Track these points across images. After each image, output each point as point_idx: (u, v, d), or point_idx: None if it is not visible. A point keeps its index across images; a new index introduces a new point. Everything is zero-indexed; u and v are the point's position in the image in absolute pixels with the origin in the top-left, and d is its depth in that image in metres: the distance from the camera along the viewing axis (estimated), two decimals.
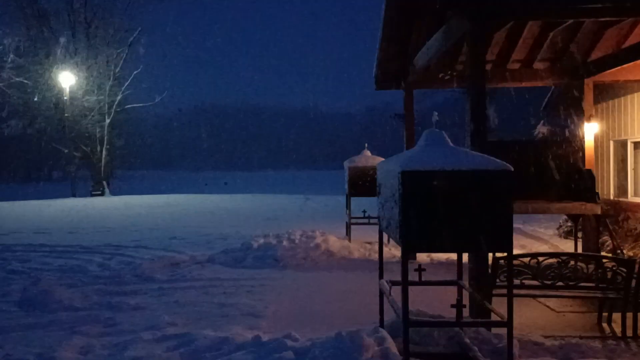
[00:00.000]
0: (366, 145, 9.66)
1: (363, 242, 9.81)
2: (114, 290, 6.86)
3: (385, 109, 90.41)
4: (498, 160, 3.41)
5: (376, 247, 9.06)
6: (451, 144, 3.82)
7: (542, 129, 11.50)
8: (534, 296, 5.18)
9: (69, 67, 27.91)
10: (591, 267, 4.98)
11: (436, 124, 4.01)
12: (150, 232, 12.83)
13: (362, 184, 9.13)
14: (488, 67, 8.25)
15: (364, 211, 10.11)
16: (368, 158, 9.33)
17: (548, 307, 5.79)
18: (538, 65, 8.52)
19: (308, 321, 5.35)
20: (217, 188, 42.42)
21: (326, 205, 21.16)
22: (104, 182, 30.82)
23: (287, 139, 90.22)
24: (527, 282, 5.00)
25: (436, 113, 4.03)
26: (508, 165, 3.39)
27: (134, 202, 23.38)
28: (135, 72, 30.77)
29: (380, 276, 4.74)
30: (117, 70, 31.12)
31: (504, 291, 5.03)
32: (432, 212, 3.30)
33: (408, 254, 3.45)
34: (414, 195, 3.33)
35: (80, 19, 29.83)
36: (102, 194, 30.10)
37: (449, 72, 7.58)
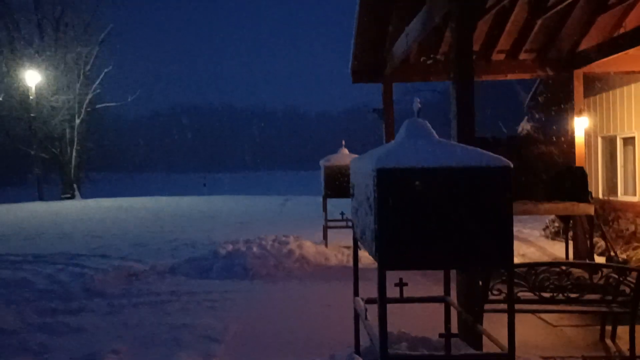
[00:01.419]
0: (343, 142, 8.98)
1: (341, 247, 9.14)
2: (57, 307, 6.06)
3: (364, 108, 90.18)
4: (495, 155, 2.75)
5: None
6: (437, 136, 3.15)
7: (525, 126, 10.96)
8: (532, 312, 4.55)
9: (35, 65, 26.72)
10: (595, 276, 4.38)
11: (418, 113, 3.34)
12: (113, 238, 11.97)
13: (340, 184, 8.44)
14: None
15: (342, 213, 9.43)
16: (345, 156, 8.64)
17: (544, 320, 5.18)
18: (524, 56, 7.96)
19: (274, 346, 4.64)
20: (195, 189, 41.46)
21: (306, 206, 20.45)
22: (75, 185, 29.65)
23: (267, 140, 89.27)
24: (522, 294, 4.37)
25: (418, 100, 3.36)
26: (507, 161, 2.74)
27: (104, 206, 22.36)
28: (105, 70, 29.64)
29: (355, 293, 4.06)
30: (87, 69, 29.94)
31: (496, 306, 4.43)
32: (416, 220, 2.63)
33: (384, 272, 2.76)
34: (393, 198, 2.65)
35: (48, 14, 28.63)
36: (73, 198, 28.97)
37: (432, 56, 6.95)
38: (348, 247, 9.08)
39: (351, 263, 8.00)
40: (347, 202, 9.62)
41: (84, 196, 30.44)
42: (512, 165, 2.73)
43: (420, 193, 2.61)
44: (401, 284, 3.69)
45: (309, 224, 14.00)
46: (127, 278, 7.59)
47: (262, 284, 7.06)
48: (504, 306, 4.26)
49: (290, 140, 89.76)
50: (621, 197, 9.52)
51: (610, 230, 8.95)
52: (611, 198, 9.57)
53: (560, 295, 4.29)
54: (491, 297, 4.28)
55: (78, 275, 7.81)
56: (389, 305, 3.02)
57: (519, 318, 4.94)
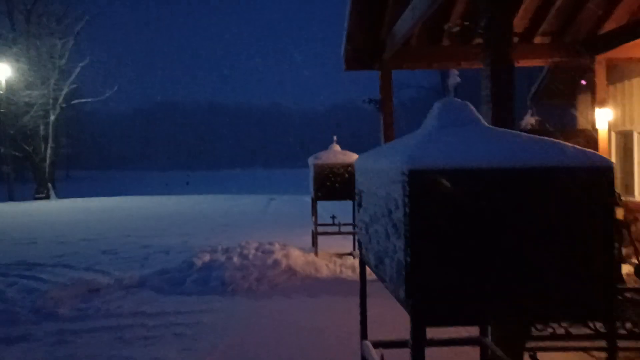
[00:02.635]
0: (335, 138, 8.01)
1: (332, 255, 8.19)
2: None
3: (351, 104, 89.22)
4: (588, 151, 1.81)
5: (348, 261, 7.44)
6: (484, 122, 2.20)
7: (530, 120, 10.08)
8: (584, 349, 3.63)
9: (6, 58, 25.30)
10: None
11: (456, 91, 2.38)
12: (81, 244, 10.87)
13: (331, 185, 7.48)
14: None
15: (333, 217, 8.48)
16: (337, 154, 7.67)
17: None
18: (539, 39, 7.06)
19: None
20: (178, 188, 40.25)
21: (291, 206, 19.50)
22: (49, 184, 28.27)
23: (252, 137, 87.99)
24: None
25: (456, 72, 2.40)
26: (606, 158, 1.79)
27: (78, 207, 21.17)
28: (81, 65, 28.26)
29: (363, 335, 3.10)
30: (62, 63, 28.54)
31: (540, 343, 3.52)
32: (476, 251, 1.67)
33: (424, 330, 1.79)
34: (439, 216, 1.69)
35: (19, 5, 27.17)
36: (47, 197, 27.62)
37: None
38: (340, 255, 8.14)
39: (344, 274, 7.06)
40: (338, 205, 8.66)
41: (60, 195, 29.12)
42: (612, 165, 1.80)
43: (484, 207, 1.65)
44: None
45: (295, 226, 13.03)
46: (87, 295, 6.55)
47: (243, 300, 6.07)
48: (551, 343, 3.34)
49: (274, 138, 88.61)
50: (638, 197, 8.70)
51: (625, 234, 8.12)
52: (629, 199, 8.74)
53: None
54: (535, 333, 3.35)
55: (30, 291, 6.74)
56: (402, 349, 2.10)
57: (569, 356, 3.90)
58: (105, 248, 10.20)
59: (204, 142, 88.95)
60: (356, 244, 8.71)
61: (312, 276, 6.89)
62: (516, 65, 7.43)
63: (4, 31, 26.81)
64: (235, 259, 7.03)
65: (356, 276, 7.01)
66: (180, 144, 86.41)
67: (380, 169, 2.20)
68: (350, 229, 8.40)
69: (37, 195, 27.55)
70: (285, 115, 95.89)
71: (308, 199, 23.45)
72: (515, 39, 7.06)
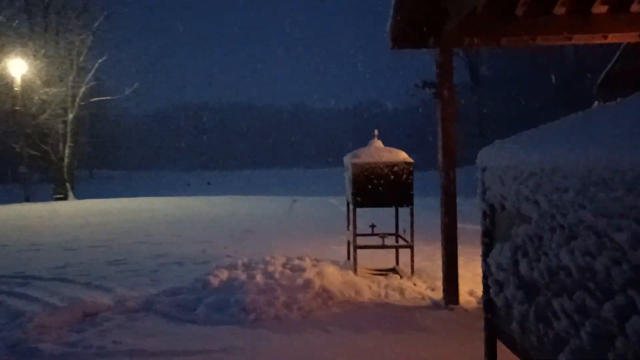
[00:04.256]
0: (376, 132, 6.74)
1: (373, 272, 6.93)
2: None
3: (372, 104, 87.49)
4: None
5: (394, 281, 6.18)
6: None
7: None
8: None
9: (23, 54, 24.65)
10: None
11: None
12: (88, 252, 9.82)
13: (374, 188, 6.21)
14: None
15: (373, 225, 7.22)
16: (380, 151, 6.39)
17: None
18: (636, 7, 5.68)
19: None
20: (199, 189, 39.48)
21: (316, 209, 18.29)
22: (68, 185, 27.60)
23: (274, 137, 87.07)
24: None
25: None
26: None
27: (96, 208, 20.31)
28: (100, 61, 27.52)
29: None
30: (80, 60, 27.86)
31: None
32: None
33: None
34: None
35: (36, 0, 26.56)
36: (66, 198, 26.96)
37: None
38: (383, 273, 6.86)
39: (391, 298, 5.80)
40: (378, 211, 7.36)
41: (79, 196, 28.48)
42: None
43: None
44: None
45: (323, 233, 11.81)
46: (81, 321, 5.42)
47: (269, 335, 4.85)
48: None
49: (295, 138, 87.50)
50: None
51: None
52: None
53: None
54: None
55: (15, 314, 5.63)
56: None
57: None
58: (113, 257, 9.12)
59: (226, 142, 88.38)
60: (399, 257, 7.43)
61: (352, 301, 5.65)
62: (604, 41, 6.07)
63: (21, 27, 26.19)
64: (259, 278, 5.83)
65: (405, 301, 5.73)
66: (202, 144, 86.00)
67: (573, 169, 0.95)
68: (393, 240, 7.14)
69: (55, 196, 26.92)
70: (307, 115, 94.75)
71: (333, 201, 22.30)
72: (604, 8, 5.70)
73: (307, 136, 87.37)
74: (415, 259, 6.85)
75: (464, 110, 28.40)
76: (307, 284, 5.69)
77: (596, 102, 8.93)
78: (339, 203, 20.18)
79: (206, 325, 5.14)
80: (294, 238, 10.80)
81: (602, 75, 9.19)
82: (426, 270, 7.16)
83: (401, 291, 5.85)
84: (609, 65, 8.94)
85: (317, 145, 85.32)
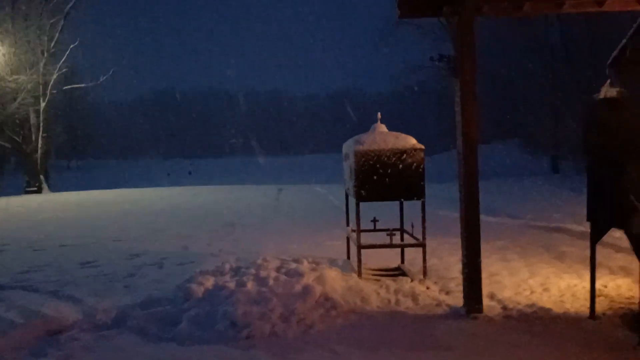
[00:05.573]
0: (379, 116, 5.96)
1: (376, 273, 6.19)
2: None
3: (350, 92, 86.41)
4: None
5: (404, 285, 5.45)
6: None
7: (609, 92, 7.96)
8: None
9: None
10: None
11: None
12: (57, 252, 8.92)
13: (378, 180, 5.44)
14: None
15: (375, 220, 6.46)
16: (386, 137, 5.60)
17: None
18: None
19: None
20: (180, 179, 38.37)
21: (303, 198, 17.52)
22: (42, 177, 26.33)
23: (254, 124, 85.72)
24: None
25: None
26: None
27: (70, 201, 19.24)
28: (72, 46, 26.14)
29: None
30: (52, 46, 26.44)
31: None
32: None
33: None
34: None
35: None
36: (39, 191, 25.71)
37: None
38: (390, 274, 6.11)
39: (402, 305, 5.06)
40: (376, 202, 6.50)
41: (54, 189, 27.28)
42: None
43: None
44: None
45: (316, 225, 11.07)
46: (42, 342, 4.59)
47: (265, 356, 4.07)
48: None
49: (276, 125, 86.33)
50: None
51: None
52: None
53: None
54: None
55: None
56: None
57: None
58: (85, 258, 8.24)
59: (205, 129, 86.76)
60: (407, 256, 6.70)
61: (359, 310, 4.90)
62: (592, 10, 5.34)
63: None
64: (250, 285, 5.05)
65: (419, 309, 4.99)
66: (180, 132, 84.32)
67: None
68: (397, 236, 6.39)
69: (27, 189, 25.66)
70: (288, 101, 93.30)
71: (319, 189, 21.52)
72: None
73: (286, 123, 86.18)
74: (421, 256, 6.12)
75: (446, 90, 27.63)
76: (306, 291, 4.93)
77: (608, 81, 8.12)
78: (325, 191, 19.44)
79: (189, 344, 4.35)
80: (283, 233, 10.01)
81: (617, 50, 8.51)
82: (435, 269, 6.45)
83: (414, 297, 5.12)
84: (623, 42, 8.25)
85: (298, 132, 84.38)
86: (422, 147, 5.59)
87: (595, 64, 23.64)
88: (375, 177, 5.43)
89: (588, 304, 4.94)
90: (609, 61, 8.99)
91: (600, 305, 4.99)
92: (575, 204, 13.24)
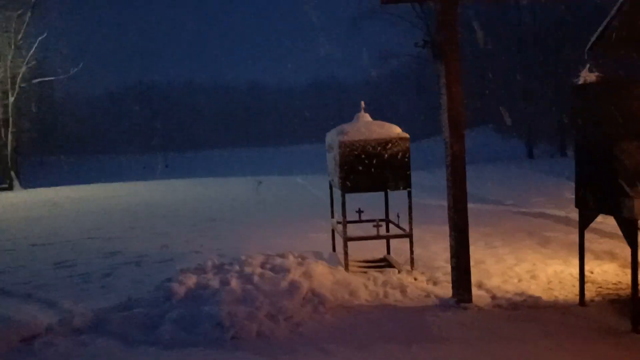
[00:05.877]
0: (363, 104, 5.79)
1: (363, 265, 6.07)
2: None
3: (330, 83, 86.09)
4: None
5: (392, 277, 5.33)
6: None
7: (588, 77, 7.93)
8: None
9: None
10: None
11: None
12: (31, 252, 8.58)
13: (364, 170, 5.29)
14: None
15: (360, 211, 6.33)
16: (371, 126, 5.44)
17: None
18: None
19: None
20: (156, 172, 37.70)
21: (284, 190, 17.31)
22: (12, 173, 25.58)
23: (230, 117, 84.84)
24: None
25: None
26: None
27: (43, 198, 18.66)
28: (40, 38, 25.32)
29: None
30: (19, 38, 25.57)
31: None
32: None
33: None
34: None
35: None
36: (10, 188, 24.98)
37: None
38: (377, 266, 6.00)
39: (391, 298, 4.94)
40: (361, 195, 6.34)
41: (26, 185, 26.52)
42: None
43: None
44: None
45: (298, 216, 10.93)
46: (13, 350, 4.35)
47: (253, 359, 3.91)
48: None
49: (252, 117, 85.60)
50: None
51: None
52: None
53: None
54: None
55: None
56: None
57: None
58: (59, 258, 7.94)
59: (181, 122, 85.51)
60: (391, 246, 6.59)
61: (348, 304, 4.77)
62: None
63: None
64: (234, 283, 4.87)
65: (409, 301, 4.88)
66: (157, 126, 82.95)
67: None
68: (383, 227, 6.26)
69: None
70: (264, 93, 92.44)
71: (299, 180, 21.34)
72: None
73: (263, 114, 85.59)
74: (407, 246, 6.01)
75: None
76: (293, 287, 4.77)
77: (588, 65, 8.06)
78: (306, 182, 19.29)
79: (172, 348, 4.15)
80: (265, 226, 9.82)
81: (597, 34, 8.48)
82: (421, 259, 6.36)
83: (402, 289, 5.01)
84: (602, 26, 8.22)
85: (275, 123, 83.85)
86: (407, 136, 5.46)
87: (566, 47, 23.77)
88: (360, 168, 5.28)
89: (576, 290, 4.90)
90: (588, 46, 8.97)
91: (589, 292, 4.95)
92: (553, 188, 13.36)
